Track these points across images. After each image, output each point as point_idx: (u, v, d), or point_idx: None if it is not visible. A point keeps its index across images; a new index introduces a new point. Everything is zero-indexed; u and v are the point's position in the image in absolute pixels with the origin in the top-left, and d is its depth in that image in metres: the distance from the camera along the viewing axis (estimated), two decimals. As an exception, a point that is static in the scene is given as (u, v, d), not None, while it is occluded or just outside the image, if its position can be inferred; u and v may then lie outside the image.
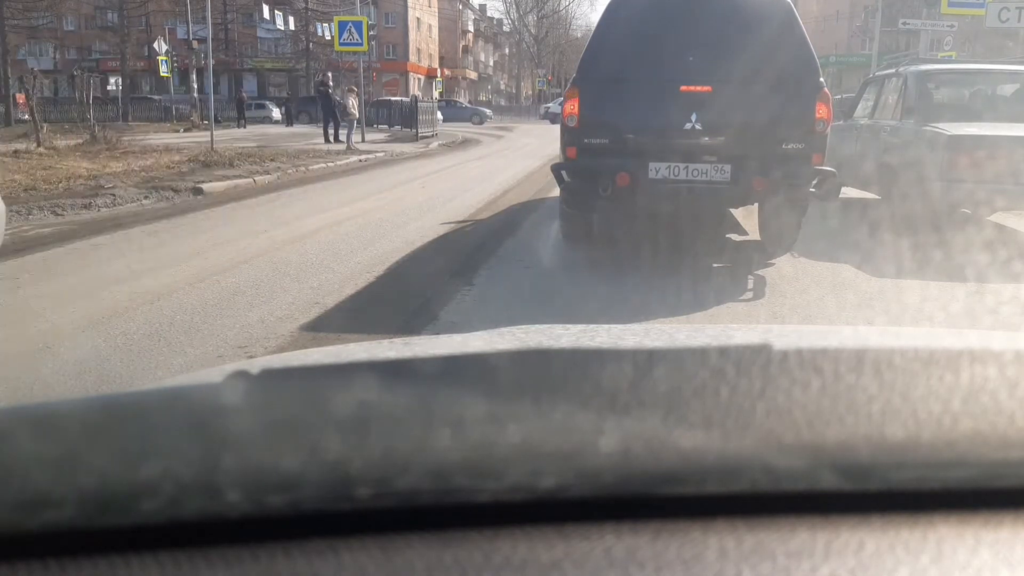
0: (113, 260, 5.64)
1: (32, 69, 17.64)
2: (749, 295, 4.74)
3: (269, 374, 0.68)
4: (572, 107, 5.21)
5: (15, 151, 13.71)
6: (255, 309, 4.35)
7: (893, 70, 8.04)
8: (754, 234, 6.28)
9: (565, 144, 5.35)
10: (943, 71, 7.88)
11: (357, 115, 18.49)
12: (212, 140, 15.17)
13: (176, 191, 9.34)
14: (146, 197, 8.90)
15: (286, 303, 4.46)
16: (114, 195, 8.67)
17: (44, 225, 7.24)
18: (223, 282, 4.93)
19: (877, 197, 7.53)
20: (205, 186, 9.76)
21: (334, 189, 10.42)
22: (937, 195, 6.10)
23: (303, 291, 4.72)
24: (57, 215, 7.70)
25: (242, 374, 0.61)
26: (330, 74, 22.01)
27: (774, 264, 5.50)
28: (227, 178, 10.57)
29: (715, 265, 5.57)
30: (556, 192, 6.48)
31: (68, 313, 4.23)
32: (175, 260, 5.64)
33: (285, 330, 3.97)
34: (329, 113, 19.60)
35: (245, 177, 10.87)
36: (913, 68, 7.52)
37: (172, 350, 3.66)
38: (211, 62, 17.47)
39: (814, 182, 5.06)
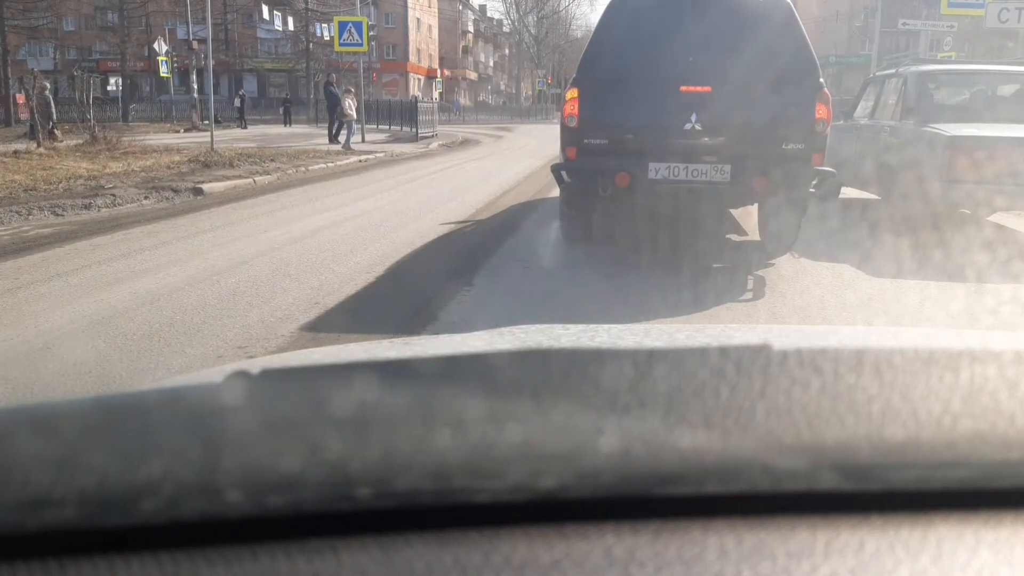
0: (113, 260, 5.63)
1: (32, 70, 17.65)
2: (749, 295, 4.73)
3: (269, 374, 0.68)
4: (572, 107, 5.19)
5: (15, 151, 13.71)
6: (255, 309, 4.34)
7: (893, 71, 8.08)
8: (754, 234, 6.28)
9: (565, 144, 5.34)
10: (943, 72, 7.90)
11: (355, 116, 18.49)
12: (212, 140, 15.16)
13: (176, 191, 9.33)
14: (146, 197, 8.89)
15: (286, 303, 4.45)
16: (114, 195, 8.66)
17: (44, 225, 7.24)
18: (223, 282, 4.92)
19: (877, 197, 7.54)
20: (205, 186, 9.75)
21: (334, 189, 10.42)
22: (937, 195, 6.11)
23: (303, 291, 4.72)
24: (57, 215, 7.70)
25: (242, 374, 0.61)
26: (334, 75, 21.99)
27: (774, 264, 5.49)
28: (227, 178, 10.57)
29: (715, 265, 5.56)
30: (556, 192, 6.47)
31: (68, 313, 4.22)
32: (175, 260, 5.64)
33: (285, 330, 3.96)
34: (335, 113, 19.58)
35: (245, 177, 10.86)
36: (913, 69, 7.55)
37: (172, 350, 3.65)
38: (211, 62, 17.45)
39: (814, 182, 5.06)
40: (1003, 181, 5.94)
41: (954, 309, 4.47)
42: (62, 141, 15.96)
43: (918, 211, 6.39)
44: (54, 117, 17.41)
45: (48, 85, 18.20)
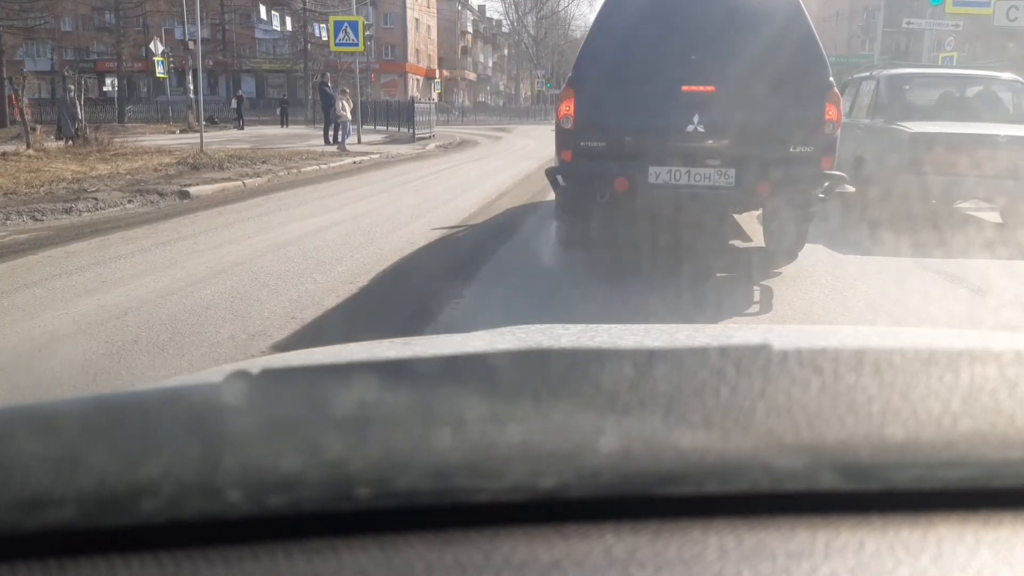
0: (85, 269, 5.35)
1: (22, 70, 17.54)
2: (755, 308, 4.50)
3: (269, 374, 0.68)
4: (568, 108, 4.96)
5: (3, 153, 13.48)
6: (227, 325, 4.07)
7: (868, 73, 8.87)
8: (758, 240, 6.05)
9: (560, 147, 5.13)
10: (913, 75, 8.72)
11: (350, 117, 18.47)
12: (202, 142, 14.99)
13: (161, 195, 9.07)
14: (130, 201, 8.64)
15: (261, 318, 4.19)
16: (96, 199, 8.43)
17: (21, 231, 6.94)
18: (197, 294, 4.66)
19: (852, 189, 7.73)
20: (192, 190, 9.50)
21: (325, 192, 10.22)
22: (904, 187, 6.70)
23: (281, 304, 4.46)
24: (36, 220, 7.44)
25: (242, 374, 0.61)
26: (329, 75, 21.99)
27: (780, 273, 5.25)
28: (215, 181, 10.36)
29: (718, 274, 5.37)
30: (553, 195, 6.38)
31: (27, 329, 3.98)
32: (150, 269, 5.37)
33: (256, 349, 3.68)
34: (330, 114, 19.54)
35: (234, 180, 10.61)
36: (885, 72, 8.40)
37: (132, 373, 3.38)
38: (200, 59, 17.27)
39: (823, 187, 4.83)
40: (963, 173, 6.54)
41: (956, 310, 4.46)
42: (86, 141, 15.84)
43: (889, 202, 6.84)
44: (80, 118, 17.33)
45: (72, 87, 18.11)
